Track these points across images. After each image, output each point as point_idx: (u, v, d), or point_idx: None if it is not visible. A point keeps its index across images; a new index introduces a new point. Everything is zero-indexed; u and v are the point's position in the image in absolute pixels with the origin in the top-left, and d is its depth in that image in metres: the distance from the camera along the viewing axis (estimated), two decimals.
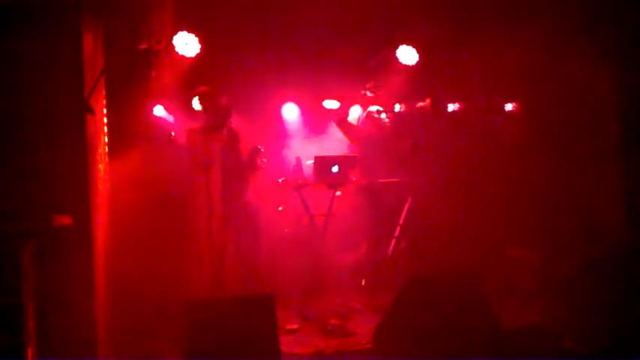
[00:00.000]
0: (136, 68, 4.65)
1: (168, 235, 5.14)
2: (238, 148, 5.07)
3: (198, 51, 4.72)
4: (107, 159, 4.34)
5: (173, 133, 4.65)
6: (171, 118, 5.81)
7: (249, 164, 5.08)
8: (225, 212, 4.91)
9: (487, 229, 5.61)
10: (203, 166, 4.78)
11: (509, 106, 6.06)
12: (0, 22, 3.47)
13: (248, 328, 3.26)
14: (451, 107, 6.36)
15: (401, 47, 5.49)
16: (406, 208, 5.77)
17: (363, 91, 6.18)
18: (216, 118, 5.00)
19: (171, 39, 4.58)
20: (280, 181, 5.58)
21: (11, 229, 3.00)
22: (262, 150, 5.17)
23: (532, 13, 4.94)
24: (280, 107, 6.46)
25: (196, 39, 4.69)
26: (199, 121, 5.08)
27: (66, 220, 3.42)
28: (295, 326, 4.57)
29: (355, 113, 6.53)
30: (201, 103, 5.08)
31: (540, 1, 4.86)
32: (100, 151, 4.14)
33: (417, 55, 5.53)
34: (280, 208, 5.84)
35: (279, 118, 6.47)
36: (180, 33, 4.65)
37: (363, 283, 5.60)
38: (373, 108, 6.23)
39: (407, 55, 5.54)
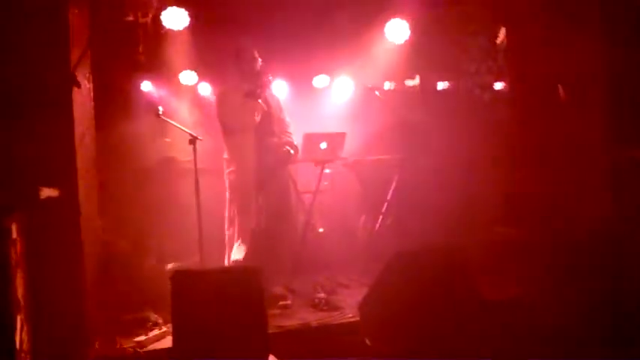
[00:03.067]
0: (122, 41, 4.60)
1: (156, 207, 5.15)
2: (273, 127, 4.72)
3: (187, 25, 4.68)
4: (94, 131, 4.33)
5: (161, 109, 4.57)
6: (159, 93, 5.80)
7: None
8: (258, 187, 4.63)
9: (474, 206, 5.66)
10: (237, 133, 4.54)
11: (498, 85, 6.07)
12: None
13: (235, 299, 3.30)
14: (440, 85, 6.38)
15: (391, 22, 5.43)
16: (393, 184, 5.80)
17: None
18: (254, 82, 4.60)
19: (159, 12, 4.53)
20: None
21: None
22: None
23: None
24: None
25: (185, 12, 4.65)
26: (233, 84, 4.76)
27: (53, 192, 3.44)
28: (288, 302, 4.62)
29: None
30: (237, 63, 4.73)
31: None
32: (86, 123, 4.13)
33: (408, 32, 5.49)
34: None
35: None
36: (169, 8, 4.59)
37: None
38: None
39: (397, 31, 5.50)
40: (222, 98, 4.79)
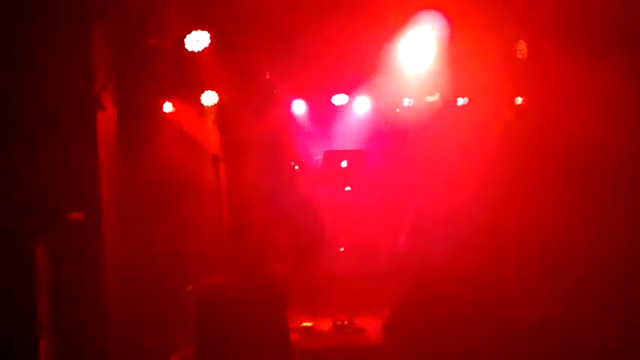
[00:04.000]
0: (146, 64, 4.65)
1: (182, 228, 5.14)
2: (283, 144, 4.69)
3: (207, 45, 4.70)
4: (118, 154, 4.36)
5: (184, 130, 4.61)
6: (182, 114, 5.83)
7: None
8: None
9: (496, 225, 5.56)
10: (241, 151, 4.50)
11: (519, 100, 5.99)
12: (10, 22, 3.50)
13: (259, 321, 3.27)
14: (460, 102, 6.32)
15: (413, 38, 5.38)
16: (417, 204, 5.74)
17: None
18: (262, 99, 4.64)
19: (181, 36, 4.58)
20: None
21: (25, 225, 3.03)
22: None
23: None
24: (289, 103, 6.46)
25: (207, 34, 4.68)
26: (242, 99, 4.78)
27: (78, 216, 3.46)
28: (310, 323, 4.58)
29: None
30: (246, 81, 4.73)
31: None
32: (110, 146, 4.16)
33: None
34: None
35: (288, 114, 6.47)
36: (193, 32, 4.62)
37: None
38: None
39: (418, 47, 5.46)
40: (226, 111, 4.80)
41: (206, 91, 5.92)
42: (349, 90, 6.51)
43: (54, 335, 3.35)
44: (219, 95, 6.02)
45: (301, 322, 4.54)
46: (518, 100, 5.93)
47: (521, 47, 5.46)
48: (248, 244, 4.73)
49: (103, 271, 3.72)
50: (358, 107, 6.64)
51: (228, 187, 4.79)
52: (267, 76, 4.65)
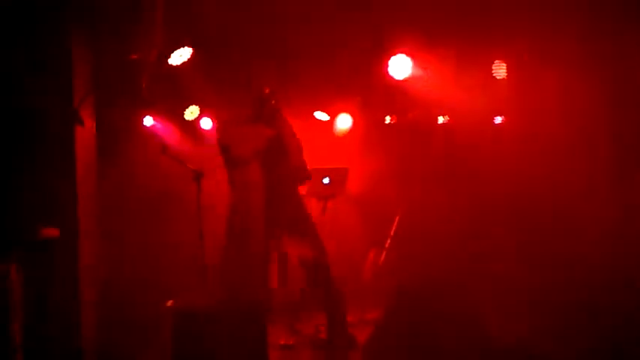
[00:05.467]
0: (126, 78, 4.63)
1: (160, 244, 5.09)
2: (287, 151, 4.36)
3: (189, 58, 4.70)
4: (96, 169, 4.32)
5: (165, 146, 4.55)
6: (163, 129, 5.81)
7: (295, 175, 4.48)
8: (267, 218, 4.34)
9: (475, 241, 5.61)
10: (239, 164, 4.23)
11: (498, 120, 6.08)
12: None
13: (237, 341, 3.23)
14: (441, 119, 6.40)
15: (394, 58, 5.46)
16: (397, 219, 5.77)
17: None
18: (258, 109, 4.34)
19: (163, 49, 4.57)
20: None
21: None
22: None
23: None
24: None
25: (190, 50, 4.69)
26: (236, 111, 4.57)
27: (53, 232, 3.41)
28: (290, 342, 4.53)
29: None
30: (242, 91, 4.56)
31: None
32: (89, 161, 4.12)
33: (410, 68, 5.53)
34: None
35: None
36: (176, 47, 4.60)
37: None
38: None
39: (399, 67, 5.53)
40: (224, 126, 4.62)
41: (190, 106, 5.92)
42: (331, 107, 6.55)
43: (27, 352, 3.28)
44: (200, 109, 6.03)
45: (281, 340, 4.49)
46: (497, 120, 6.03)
47: (501, 68, 5.56)
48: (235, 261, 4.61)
49: (78, 288, 3.67)
50: (340, 123, 6.68)
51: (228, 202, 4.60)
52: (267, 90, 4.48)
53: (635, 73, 4.49)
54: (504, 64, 5.36)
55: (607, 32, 4.56)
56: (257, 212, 4.32)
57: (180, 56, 4.69)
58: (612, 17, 4.50)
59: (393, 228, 5.78)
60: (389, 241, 5.76)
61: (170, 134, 5.70)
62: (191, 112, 5.98)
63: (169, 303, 4.90)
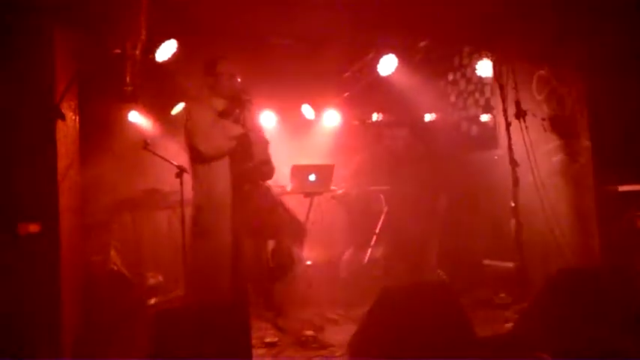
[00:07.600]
0: (110, 72, 4.55)
1: (143, 240, 5.04)
2: (251, 151, 4.12)
3: (174, 53, 4.64)
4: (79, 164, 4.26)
5: (148, 141, 4.47)
6: (147, 125, 5.74)
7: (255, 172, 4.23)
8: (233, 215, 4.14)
9: (464, 239, 5.63)
10: (204, 160, 4.04)
11: (485, 117, 6.10)
12: None
13: (219, 339, 3.19)
14: (428, 117, 6.41)
15: (384, 57, 5.46)
16: (383, 216, 5.77)
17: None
18: (229, 102, 4.15)
19: (147, 44, 4.50)
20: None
21: None
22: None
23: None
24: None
25: (175, 43, 4.63)
26: (202, 101, 4.27)
27: (33, 227, 3.35)
28: (275, 339, 4.49)
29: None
30: (209, 76, 4.21)
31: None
32: (71, 156, 4.05)
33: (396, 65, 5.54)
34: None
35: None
36: (165, 42, 4.52)
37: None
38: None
39: (386, 64, 5.55)
40: (188, 115, 4.20)
41: (175, 102, 5.86)
42: (318, 103, 6.53)
43: (5, 349, 3.23)
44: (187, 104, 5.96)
45: (265, 338, 4.46)
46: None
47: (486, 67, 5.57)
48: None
49: (59, 284, 3.61)
50: (327, 121, 6.66)
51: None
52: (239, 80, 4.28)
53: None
54: (490, 62, 5.37)
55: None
56: (222, 208, 4.15)
57: (165, 50, 4.62)
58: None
59: (379, 226, 5.78)
60: (374, 238, 5.76)
61: (154, 129, 5.64)
62: (175, 107, 5.92)
63: (152, 300, 4.89)
